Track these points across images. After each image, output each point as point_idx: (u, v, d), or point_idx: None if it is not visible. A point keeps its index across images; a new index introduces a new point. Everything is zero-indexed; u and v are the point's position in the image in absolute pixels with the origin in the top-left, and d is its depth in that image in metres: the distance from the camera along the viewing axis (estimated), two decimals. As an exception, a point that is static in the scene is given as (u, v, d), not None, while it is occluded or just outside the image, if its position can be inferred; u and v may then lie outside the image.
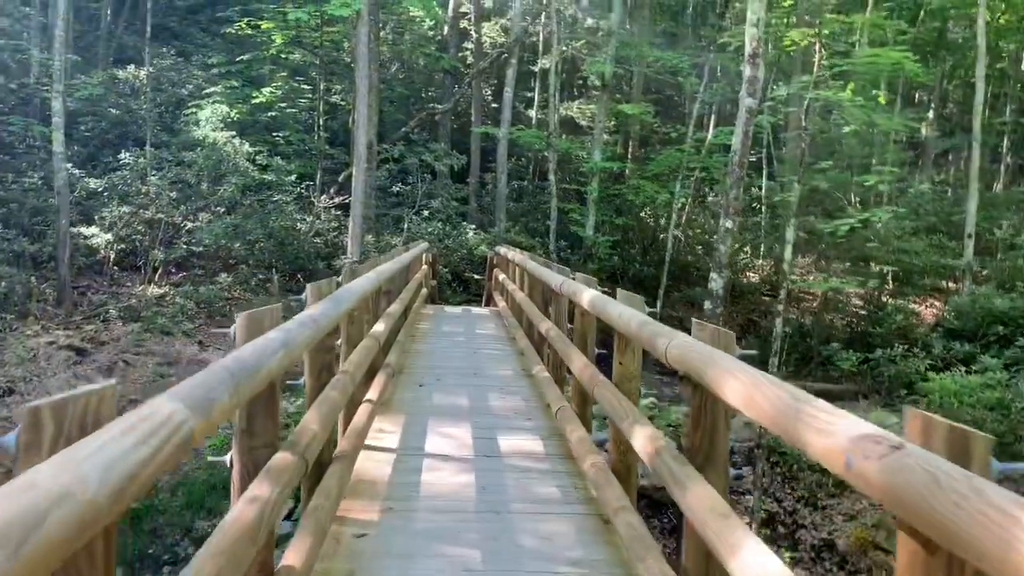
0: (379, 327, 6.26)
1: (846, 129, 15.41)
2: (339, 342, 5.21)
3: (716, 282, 10.49)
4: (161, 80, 26.38)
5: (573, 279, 7.17)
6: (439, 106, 23.30)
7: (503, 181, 19.60)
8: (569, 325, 6.60)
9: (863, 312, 19.47)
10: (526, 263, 8.64)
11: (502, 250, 12.70)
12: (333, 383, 4.25)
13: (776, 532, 12.18)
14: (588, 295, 4.84)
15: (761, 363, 18.12)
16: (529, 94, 28.88)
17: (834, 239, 14.73)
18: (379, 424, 5.94)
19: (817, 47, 11.41)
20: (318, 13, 16.43)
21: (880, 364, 16.34)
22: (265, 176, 20.83)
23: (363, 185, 17.78)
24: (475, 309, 14.27)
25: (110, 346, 16.45)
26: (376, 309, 6.85)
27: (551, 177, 19.47)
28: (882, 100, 14.46)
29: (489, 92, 29.57)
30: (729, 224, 10.48)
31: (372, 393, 5.75)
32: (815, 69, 11.31)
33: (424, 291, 13.74)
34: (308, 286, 4.34)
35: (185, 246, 19.70)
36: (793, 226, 11.76)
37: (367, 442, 5.40)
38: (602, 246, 18.69)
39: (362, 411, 5.17)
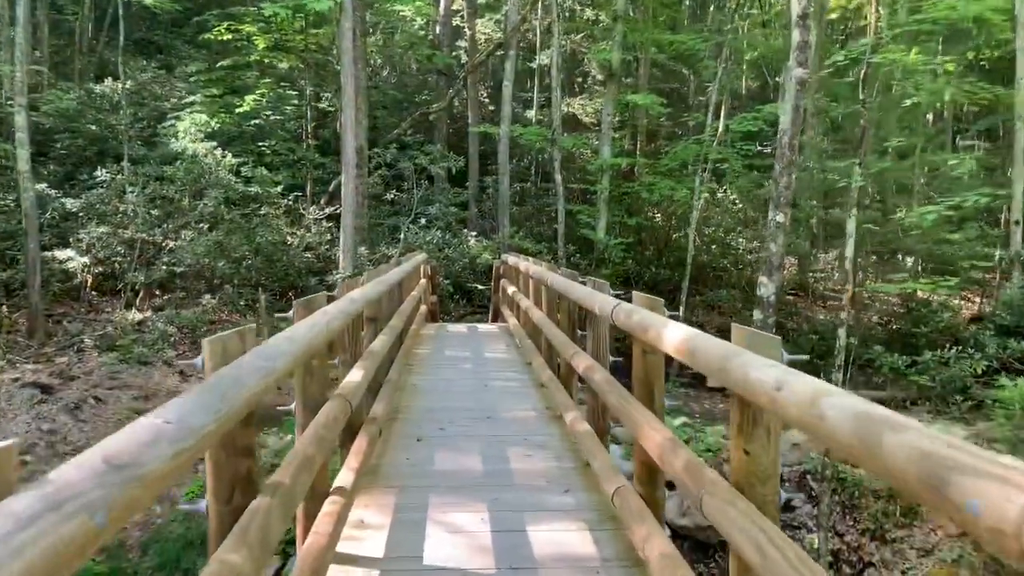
0: (355, 376, 4.44)
1: (908, 102, 13.55)
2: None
3: (767, 287, 8.66)
4: (143, 94, 24.63)
5: (583, 283, 5.40)
6: (433, 106, 21.46)
7: (505, 183, 17.76)
8: (614, 357, 4.78)
9: (899, 310, 17.61)
10: (545, 276, 6.81)
11: (511, 259, 10.88)
12: (261, 498, 2.44)
13: (841, 574, 10.33)
14: (676, 333, 3.00)
15: (812, 373, 16.09)
16: (527, 95, 27.09)
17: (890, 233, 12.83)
18: (359, 512, 4.12)
19: (874, 5, 9.61)
20: (295, 6, 14.60)
21: (929, 367, 14.51)
22: (250, 188, 19.01)
23: (353, 193, 15.96)
24: (481, 326, 12.42)
25: (81, 381, 14.63)
26: (356, 346, 5.03)
27: (557, 177, 17.63)
28: (950, 68, 12.64)
29: (485, 93, 27.76)
30: (780, 218, 8.66)
31: (345, 476, 3.92)
32: (871, 31, 9.53)
33: (423, 308, 11.92)
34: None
35: (165, 267, 17.88)
36: (855, 217, 9.92)
37: (340, 546, 3.60)
38: (615, 249, 16.85)
39: (326, 517, 3.34)
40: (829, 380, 15.50)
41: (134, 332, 17.39)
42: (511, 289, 10.65)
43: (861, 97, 9.58)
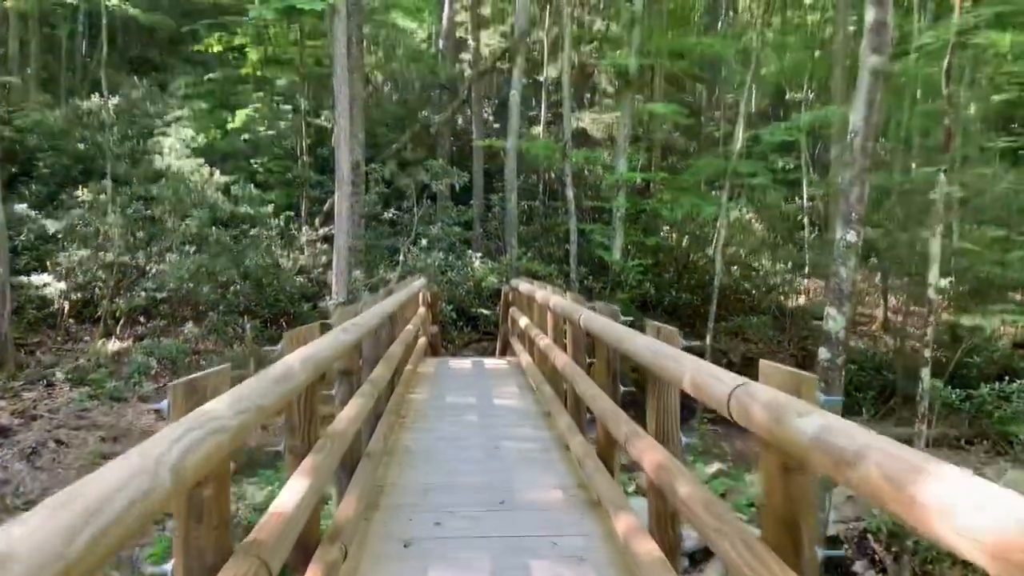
0: (298, 486, 2.77)
1: (1001, 97, 11.88)
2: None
3: (836, 320, 7.00)
4: (134, 112, 23.11)
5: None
6: (436, 118, 19.87)
7: (513, 200, 16.10)
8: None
9: (944, 337, 15.87)
10: (573, 313, 5.12)
11: (522, 286, 9.20)
12: None
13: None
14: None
15: (850, 411, 14.22)
16: (532, 112, 25.55)
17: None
18: None
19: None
20: (285, 7, 13.06)
21: (985, 401, 12.81)
22: (238, 208, 17.42)
23: (348, 212, 14.35)
24: (488, 361, 10.69)
25: (44, 420, 12.96)
26: (310, 430, 3.36)
27: (568, 193, 15.99)
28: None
29: (490, 111, 26.25)
30: (852, 236, 7.00)
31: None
32: (957, 10, 7.97)
33: (422, 341, 10.25)
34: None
35: (144, 292, 16.24)
36: (940, 235, 8.27)
37: None
38: (632, 271, 15.18)
39: None
40: (875, 420, 13.71)
41: (112, 363, 15.76)
42: (523, 321, 8.97)
43: (945, 91, 7.98)
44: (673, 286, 16.55)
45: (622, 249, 15.73)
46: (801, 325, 17.97)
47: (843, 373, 7.42)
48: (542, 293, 7.11)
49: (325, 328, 4.08)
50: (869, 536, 9.36)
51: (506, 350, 11.61)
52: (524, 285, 8.99)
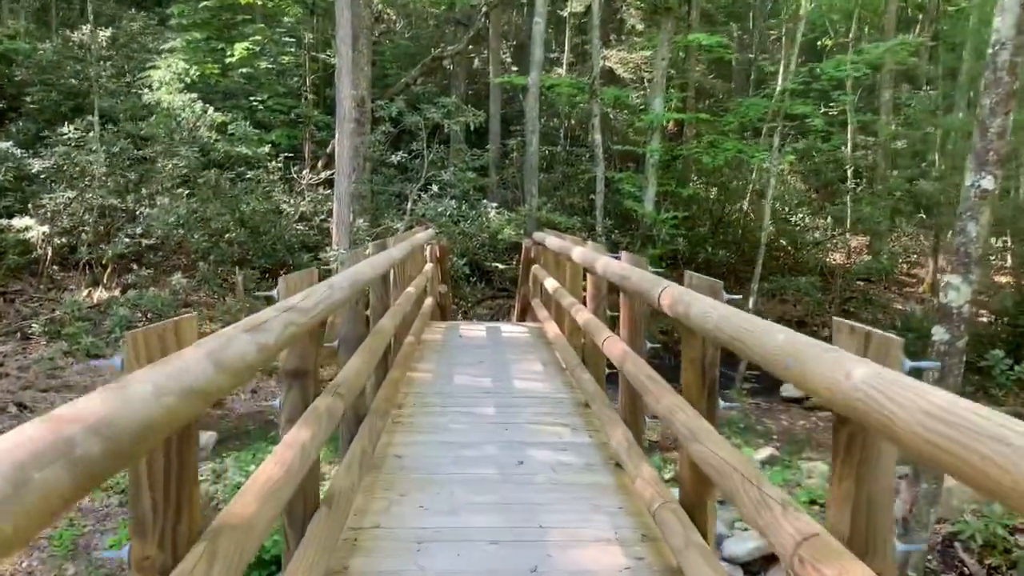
0: None
1: None
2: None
3: (959, 291, 5.29)
4: (132, 46, 21.15)
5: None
6: (448, 49, 17.84)
7: (534, 143, 14.19)
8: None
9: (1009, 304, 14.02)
10: (653, 288, 3.34)
11: (550, 240, 7.41)
12: None
13: None
14: None
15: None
16: (552, 55, 23.39)
17: None
18: None
19: None
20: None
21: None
22: (233, 148, 15.63)
23: (350, 153, 12.55)
24: (506, 329, 8.91)
25: (10, 380, 11.45)
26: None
27: (596, 137, 14.07)
28: None
29: (508, 52, 24.12)
30: (988, 183, 5.25)
31: None
32: None
33: (428, 302, 8.55)
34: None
35: (129, 239, 14.57)
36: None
37: None
38: (666, 225, 13.36)
39: None
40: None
41: (98, 315, 14.22)
42: (549, 283, 7.21)
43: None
44: (708, 241, 14.73)
45: (654, 200, 13.88)
46: (843, 286, 16.16)
47: (964, 358, 5.69)
48: (581, 251, 5.35)
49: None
50: (957, 544, 7.73)
51: (525, 313, 9.89)
52: (553, 239, 7.21)
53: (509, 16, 25.06)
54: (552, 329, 7.13)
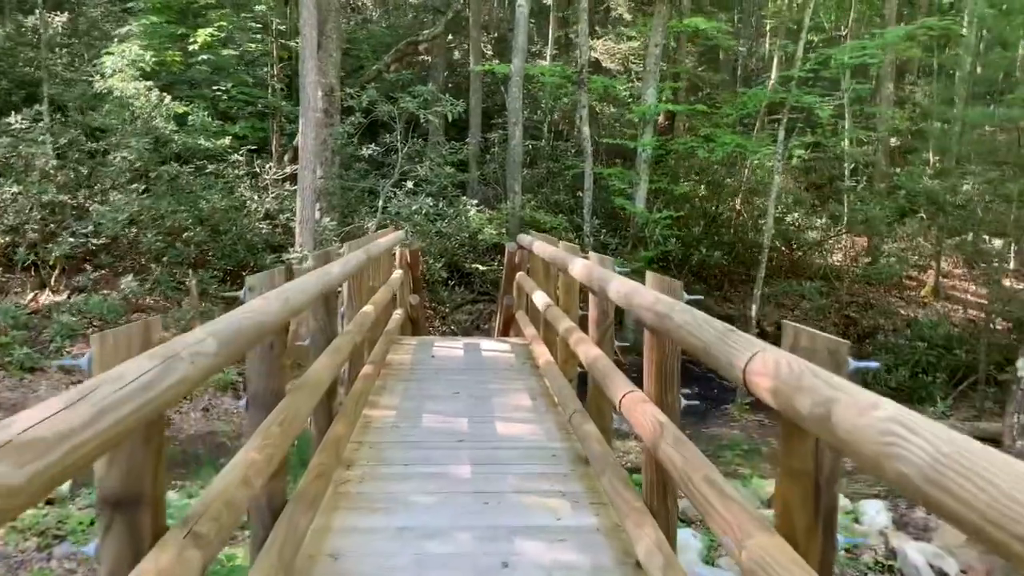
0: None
1: None
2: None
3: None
4: (92, 33, 19.60)
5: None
6: (425, 33, 16.49)
7: (518, 136, 12.89)
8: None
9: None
10: (697, 331, 2.10)
11: (537, 245, 6.10)
12: None
13: None
14: None
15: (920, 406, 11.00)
16: (534, 48, 22.10)
17: None
18: None
19: None
20: None
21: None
22: (190, 140, 14.20)
23: (314, 145, 11.22)
24: (487, 346, 7.52)
25: (-73, 398, 10.03)
26: None
27: (584, 129, 12.81)
28: None
29: (488, 43, 22.80)
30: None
31: None
32: None
33: (396, 316, 7.26)
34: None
35: (74, 239, 13.13)
36: None
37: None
38: (659, 225, 12.13)
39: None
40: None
41: (40, 321, 12.77)
42: (539, 298, 5.93)
43: None
44: (701, 243, 13.54)
45: (645, 198, 12.66)
46: (842, 290, 15.04)
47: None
48: (584, 266, 4.07)
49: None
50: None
51: (508, 327, 8.61)
52: (542, 246, 5.92)
53: (490, 7, 23.76)
54: (541, 352, 5.86)
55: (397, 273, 7.52)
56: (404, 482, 3.88)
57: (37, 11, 18.88)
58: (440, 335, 13.56)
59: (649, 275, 3.10)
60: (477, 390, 5.70)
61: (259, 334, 2.24)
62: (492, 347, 7.44)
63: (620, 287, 3.09)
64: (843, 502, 8.01)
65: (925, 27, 10.91)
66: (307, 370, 3.25)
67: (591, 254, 3.98)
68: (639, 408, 2.76)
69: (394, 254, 8.03)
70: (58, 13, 18.07)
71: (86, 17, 19.80)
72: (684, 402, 2.99)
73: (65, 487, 8.57)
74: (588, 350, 3.80)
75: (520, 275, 7.66)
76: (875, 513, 7.52)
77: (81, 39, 18.75)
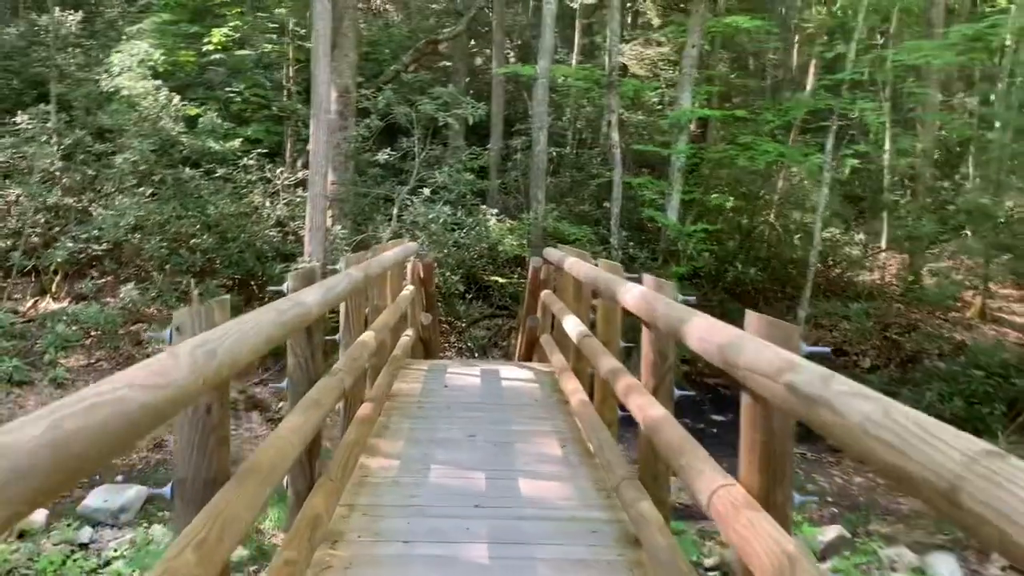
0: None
1: None
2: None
3: None
4: (109, 34, 18.99)
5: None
6: (445, 31, 15.66)
7: (542, 141, 11.98)
8: None
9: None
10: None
11: (572, 263, 5.15)
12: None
13: None
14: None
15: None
16: (558, 56, 21.20)
17: None
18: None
19: None
20: None
21: None
22: (198, 141, 13.42)
23: (326, 149, 10.37)
24: (507, 374, 6.51)
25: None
26: None
27: (613, 135, 11.88)
28: None
29: (511, 49, 21.98)
30: None
31: None
32: None
33: (405, 340, 6.34)
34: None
35: (73, 244, 12.37)
36: None
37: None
38: (694, 239, 11.16)
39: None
40: None
41: (37, 331, 12.00)
42: (571, 325, 5.00)
43: None
44: (736, 258, 12.54)
45: (678, 210, 11.70)
46: (886, 311, 13.95)
47: None
48: (642, 295, 3.11)
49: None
50: None
51: (531, 350, 7.67)
52: (576, 264, 4.97)
53: (514, 12, 22.94)
54: (574, 389, 4.90)
55: (408, 289, 6.61)
56: (403, 569, 2.95)
57: (54, 9, 18.27)
58: (456, 351, 12.63)
59: (750, 316, 2.15)
60: (496, 433, 4.76)
61: (156, 419, 1.33)
62: (513, 375, 6.49)
63: (708, 335, 2.14)
64: (909, 556, 7.00)
65: (992, 26, 9.88)
66: (259, 450, 2.32)
67: (645, 277, 3.07)
68: (745, 517, 1.80)
69: (405, 267, 7.13)
70: (72, 12, 17.44)
71: (103, 17, 19.25)
72: (799, 499, 2.05)
73: (40, 517, 7.74)
74: (646, 407, 2.85)
75: (546, 293, 6.72)
76: (948, 574, 6.50)
77: (98, 39, 18.18)
